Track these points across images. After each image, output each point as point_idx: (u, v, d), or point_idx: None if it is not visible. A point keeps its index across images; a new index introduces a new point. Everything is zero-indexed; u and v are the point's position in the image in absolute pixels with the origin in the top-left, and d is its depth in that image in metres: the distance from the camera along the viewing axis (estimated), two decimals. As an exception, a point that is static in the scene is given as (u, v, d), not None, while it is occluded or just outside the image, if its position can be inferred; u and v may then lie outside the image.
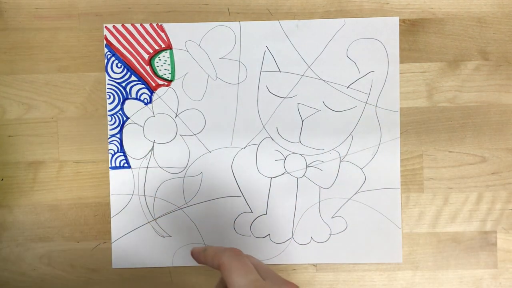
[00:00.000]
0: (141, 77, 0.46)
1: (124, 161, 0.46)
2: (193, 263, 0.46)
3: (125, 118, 0.46)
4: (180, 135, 0.46)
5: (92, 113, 0.46)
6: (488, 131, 0.46)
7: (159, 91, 0.46)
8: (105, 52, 0.46)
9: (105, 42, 0.46)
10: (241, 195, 0.46)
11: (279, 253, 0.46)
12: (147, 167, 0.46)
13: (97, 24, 0.46)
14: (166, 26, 0.46)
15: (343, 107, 0.46)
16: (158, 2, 0.46)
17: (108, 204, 0.46)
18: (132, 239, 0.46)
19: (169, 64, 0.46)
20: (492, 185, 0.46)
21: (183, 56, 0.46)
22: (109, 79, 0.46)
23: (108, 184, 0.46)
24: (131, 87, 0.46)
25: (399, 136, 0.46)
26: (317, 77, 0.46)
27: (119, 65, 0.46)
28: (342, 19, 0.45)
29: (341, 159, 0.46)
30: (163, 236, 0.46)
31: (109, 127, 0.46)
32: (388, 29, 0.45)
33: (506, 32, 0.46)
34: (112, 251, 0.46)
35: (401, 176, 0.46)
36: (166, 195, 0.46)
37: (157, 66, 0.46)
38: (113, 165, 0.46)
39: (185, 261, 0.46)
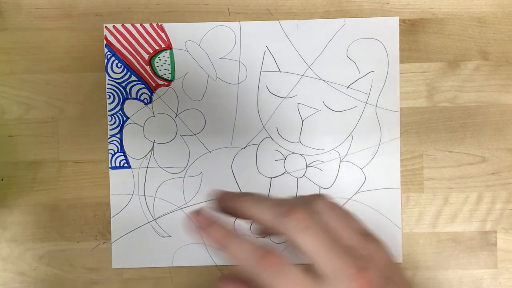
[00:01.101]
0: (141, 77, 0.46)
1: (124, 161, 0.46)
2: (193, 263, 0.46)
3: (125, 118, 0.46)
4: (180, 135, 0.46)
5: (92, 113, 0.46)
6: (488, 131, 0.46)
7: (159, 91, 0.46)
8: (105, 52, 0.46)
9: (105, 42, 0.46)
10: (241, 195, 0.46)
11: (279, 253, 0.46)
12: (147, 167, 0.46)
13: (97, 24, 0.46)
14: (166, 26, 0.46)
15: (343, 107, 0.46)
16: (158, 2, 0.46)
17: (108, 204, 0.46)
18: (132, 239, 0.46)
19: (169, 64, 0.46)
20: (492, 185, 0.46)
21: (183, 56, 0.46)
22: (109, 79, 0.46)
23: (108, 184, 0.46)
24: (131, 87, 0.46)
25: (399, 136, 0.46)
26: (317, 77, 0.46)
27: (119, 65, 0.46)
28: (342, 19, 0.45)
29: (341, 159, 0.46)
30: (163, 236, 0.46)
31: (109, 127, 0.46)
32: (388, 29, 0.45)
33: (506, 32, 0.46)
34: (112, 251, 0.46)
35: (401, 176, 0.46)
36: (166, 195, 0.46)
37: (157, 66, 0.46)
38: (113, 165, 0.46)
39: (185, 261, 0.46)
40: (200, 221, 0.28)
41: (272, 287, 0.25)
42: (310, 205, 0.27)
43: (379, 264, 0.27)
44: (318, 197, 0.28)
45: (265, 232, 0.31)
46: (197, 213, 0.28)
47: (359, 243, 0.28)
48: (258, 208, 0.27)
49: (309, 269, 0.26)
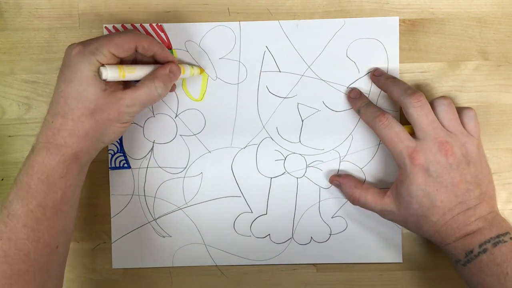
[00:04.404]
0: (141, 77, 0.46)
1: (124, 161, 0.46)
2: (193, 263, 0.46)
3: (125, 118, 0.46)
4: (180, 135, 0.46)
5: (92, 113, 0.46)
6: (488, 131, 0.46)
7: (159, 91, 0.46)
8: (105, 52, 0.46)
9: (105, 42, 0.46)
10: (241, 195, 0.46)
11: (279, 253, 0.46)
12: (147, 167, 0.46)
13: (97, 24, 0.46)
14: (166, 26, 0.46)
15: (343, 107, 0.46)
16: (158, 2, 0.46)
17: (108, 204, 0.46)
18: (132, 239, 0.46)
19: (169, 64, 0.46)
20: (492, 185, 0.46)
21: (183, 56, 0.46)
22: (109, 79, 0.46)
23: (108, 184, 0.46)
24: (131, 87, 0.46)
25: (399, 136, 0.46)
26: (317, 77, 0.46)
27: (119, 65, 0.46)
28: (342, 19, 0.45)
29: (341, 159, 0.46)
30: (163, 236, 0.46)
31: (109, 127, 0.46)
32: (388, 29, 0.45)
33: (506, 32, 0.46)
34: (112, 251, 0.46)
35: (401, 176, 0.46)
36: (166, 195, 0.46)
37: (157, 66, 0.46)
38: (113, 165, 0.46)
39: (185, 261, 0.46)
40: (353, 94, 0.45)
41: (382, 135, 0.40)
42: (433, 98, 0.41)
43: (466, 150, 0.39)
44: (441, 96, 0.41)
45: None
46: (353, 89, 0.45)
47: (457, 132, 0.39)
48: (394, 87, 0.42)
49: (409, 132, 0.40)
